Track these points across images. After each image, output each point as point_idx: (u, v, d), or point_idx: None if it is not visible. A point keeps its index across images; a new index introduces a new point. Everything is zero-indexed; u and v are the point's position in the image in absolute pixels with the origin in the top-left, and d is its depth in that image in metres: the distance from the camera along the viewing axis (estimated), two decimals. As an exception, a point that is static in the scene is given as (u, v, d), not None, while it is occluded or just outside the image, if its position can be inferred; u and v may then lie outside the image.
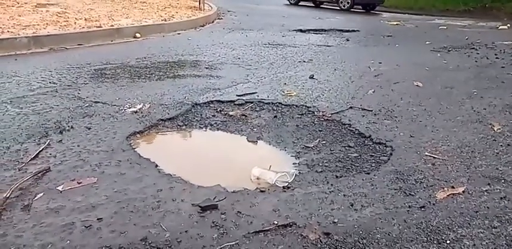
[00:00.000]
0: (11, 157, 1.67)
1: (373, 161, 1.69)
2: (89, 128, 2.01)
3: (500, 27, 7.16)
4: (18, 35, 4.11)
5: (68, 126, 2.03)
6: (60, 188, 1.43)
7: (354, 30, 6.54)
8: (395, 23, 7.98)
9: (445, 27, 7.32)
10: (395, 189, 1.41)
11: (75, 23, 5.04)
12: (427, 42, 5.22)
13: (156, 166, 1.63)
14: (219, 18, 7.87)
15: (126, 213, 1.27)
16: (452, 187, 1.41)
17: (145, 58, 3.77)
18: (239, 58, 3.94)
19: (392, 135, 1.93)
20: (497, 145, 1.79)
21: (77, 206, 1.31)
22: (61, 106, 2.35)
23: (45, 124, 2.06)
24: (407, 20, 8.58)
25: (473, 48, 4.44)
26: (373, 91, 2.69)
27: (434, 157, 1.67)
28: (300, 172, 1.64)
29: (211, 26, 6.84)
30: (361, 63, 3.68)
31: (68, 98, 2.51)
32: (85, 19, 5.35)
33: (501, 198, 1.35)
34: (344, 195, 1.37)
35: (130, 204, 1.32)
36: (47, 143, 1.80)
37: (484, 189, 1.40)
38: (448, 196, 1.35)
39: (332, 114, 2.26)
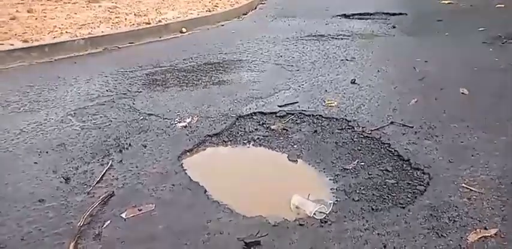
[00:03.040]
0: (80, 179, 1.88)
1: (410, 191, 1.71)
2: (145, 146, 2.18)
3: None
4: (76, 36, 4.36)
5: (126, 144, 2.21)
6: (123, 215, 1.61)
7: (401, 13, 6.17)
8: (447, 1, 7.39)
9: (503, 5, 6.67)
10: (428, 228, 1.44)
11: (125, 19, 5.22)
12: (480, 29, 4.84)
13: (205, 191, 1.76)
14: (261, 3, 7.73)
15: (181, 246, 1.42)
16: (485, 228, 1.41)
17: (191, 58, 3.88)
18: (281, 56, 3.93)
19: (431, 159, 1.92)
20: (541, 177, 1.74)
21: (139, 236, 1.49)
22: (119, 119, 2.55)
23: (106, 141, 2.26)
24: (460, -3, 7.89)
25: (530, 38, 4.09)
26: (416, 101, 2.62)
27: (471, 190, 1.66)
28: (337, 200, 1.70)
29: (254, 13, 6.75)
30: (406, 61, 3.55)
31: (124, 109, 2.70)
32: (134, 14, 5.52)
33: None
34: (378, 234, 1.43)
35: (184, 236, 1.47)
36: (109, 164, 2.00)
37: (520, 232, 1.40)
38: (479, 239, 1.37)
39: (372, 130, 2.26)
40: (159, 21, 5.18)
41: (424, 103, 2.58)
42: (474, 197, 1.61)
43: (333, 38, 4.64)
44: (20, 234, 1.54)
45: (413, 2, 7.63)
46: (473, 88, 2.79)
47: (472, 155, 1.93)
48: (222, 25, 5.69)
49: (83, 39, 4.27)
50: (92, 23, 4.95)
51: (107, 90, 3.06)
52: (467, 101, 2.59)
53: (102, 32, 4.58)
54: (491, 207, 1.54)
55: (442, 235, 1.40)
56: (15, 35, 4.32)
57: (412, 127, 2.26)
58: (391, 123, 2.33)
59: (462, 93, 2.72)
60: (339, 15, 6.13)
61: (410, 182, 1.78)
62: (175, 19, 5.35)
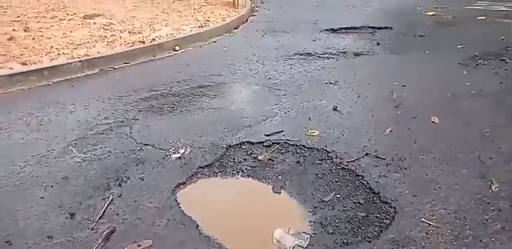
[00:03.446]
0: (84, 215, 2.08)
1: (377, 224, 1.94)
2: (142, 179, 2.39)
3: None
4: (73, 57, 4.54)
5: (125, 177, 2.41)
6: (125, 251, 1.82)
7: (386, 27, 6.40)
8: (431, 13, 7.65)
9: (484, 18, 6.94)
10: (389, 263, 1.67)
11: (120, 37, 5.39)
12: (459, 46, 5.10)
13: (197, 226, 1.97)
14: (252, 15, 7.93)
15: (175, 281, 1.64)
16: (439, 263, 1.65)
17: (185, 81, 4.07)
18: (269, 78, 4.14)
19: (398, 193, 2.15)
20: (489, 210, 1.96)
21: (139, 272, 1.70)
22: (117, 150, 2.74)
23: (106, 173, 2.46)
24: (444, 6, 8.13)
25: (503, 60, 4.33)
26: (390, 131, 2.85)
27: (429, 224, 1.88)
28: (314, 233, 1.93)
29: (245, 27, 6.95)
30: (385, 85, 3.77)
31: (122, 139, 2.89)
32: (129, 31, 5.69)
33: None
34: (346, 268, 1.66)
35: (178, 272, 1.69)
36: (110, 198, 2.20)
37: (466, 267, 1.63)
38: (433, 273, 1.60)
39: (348, 162, 2.48)
40: (153, 39, 5.36)
41: (397, 133, 2.81)
42: (431, 231, 1.84)
43: (319, 57, 4.87)
44: (32, 270, 1.74)
45: (399, 13, 7.88)
46: (444, 116, 3.03)
47: (434, 189, 2.16)
48: (214, 41, 5.88)
49: (79, 61, 4.44)
50: (88, 42, 5.11)
51: (104, 118, 3.24)
52: (437, 130, 2.82)
53: (98, 52, 4.75)
54: (445, 242, 1.77)
55: (400, 270, 1.63)
56: (14, 57, 4.48)
57: (385, 158, 2.48)
58: (366, 154, 2.55)
59: (433, 121, 2.95)
60: (327, 30, 6.35)
61: (378, 215, 2.00)
62: (169, 37, 5.53)
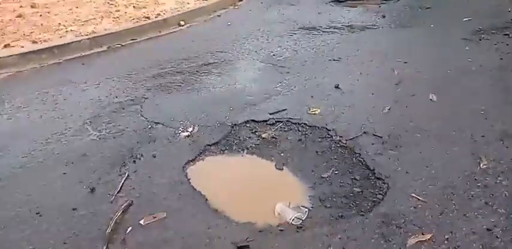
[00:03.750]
0: (103, 189, 2.27)
1: (371, 199, 2.10)
2: (154, 157, 2.55)
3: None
4: (80, 34, 4.58)
5: (139, 154, 2.58)
6: (142, 222, 2.01)
7: (393, -2, 6.23)
8: (440, -17, 7.37)
9: (495, -12, 6.71)
10: (378, 234, 1.84)
11: (125, 13, 5.39)
12: (465, 19, 5.01)
13: (206, 200, 2.16)
14: (257, -14, 7.71)
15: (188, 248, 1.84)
16: (422, 234, 1.81)
17: (190, 58, 4.14)
18: (274, 55, 4.18)
19: (392, 170, 2.29)
20: (475, 186, 2.10)
21: (155, 240, 1.90)
22: (130, 128, 2.89)
23: (121, 150, 2.63)
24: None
25: (506, 34, 4.27)
26: (389, 109, 2.94)
27: (418, 199, 2.04)
28: (312, 206, 2.10)
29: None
30: (387, 61, 3.80)
31: (133, 117, 3.04)
32: (134, 6, 5.67)
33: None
34: (340, 238, 1.83)
35: (189, 240, 1.88)
36: (126, 174, 2.38)
37: (447, 237, 1.80)
38: (416, 242, 1.77)
39: (347, 140, 2.61)
40: (158, 14, 5.35)
41: (395, 111, 2.91)
42: (420, 206, 2.00)
43: (323, 31, 4.84)
44: (62, 238, 1.95)
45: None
46: (442, 94, 3.10)
47: (426, 166, 2.29)
48: (219, 15, 5.84)
49: (88, 39, 4.49)
50: (94, 18, 5.13)
51: (116, 97, 3.37)
52: (434, 109, 2.91)
53: (105, 29, 4.79)
54: (431, 216, 1.93)
55: (388, 240, 1.81)
56: (24, 34, 4.55)
57: (381, 137, 2.60)
58: (364, 132, 2.67)
59: (431, 99, 3.03)
60: (333, 1, 6.23)
61: (372, 191, 2.16)
62: (173, 11, 5.50)
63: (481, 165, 2.24)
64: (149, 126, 2.90)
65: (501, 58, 3.66)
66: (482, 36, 4.31)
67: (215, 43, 4.57)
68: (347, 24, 5.07)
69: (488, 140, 2.48)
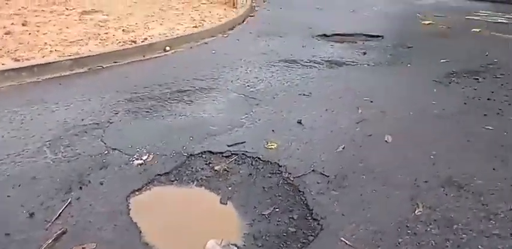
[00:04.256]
0: (43, 215, 2.29)
1: (301, 240, 2.12)
2: (102, 184, 2.59)
3: (538, 33, 6.69)
4: (64, 54, 4.73)
5: (87, 181, 2.61)
6: (70, 252, 2.03)
7: (378, 36, 6.48)
8: (427, 22, 7.67)
9: (478, 30, 6.97)
10: (299, 279, 1.86)
11: (113, 35, 5.56)
12: (442, 60, 5.19)
13: (140, 232, 2.18)
14: (250, 15, 8.03)
15: (107, 282, 1.85)
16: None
17: (166, 84, 4.25)
18: (249, 85, 4.30)
19: (330, 211, 2.32)
20: (405, 233, 2.12)
21: (77, 272, 1.91)
22: (86, 153, 2.94)
23: (71, 176, 2.66)
24: (444, 14, 8.14)
25: (476, 79, 4.41)
26: (343, 148, 3.00)
27: (346, 243, 2.06)
28: (244, 245, 2.11)
29: (240, 28, 7.07)
30: (355, 99, 3.90)
31: (93, 142, 3.09)
32: (123, 30, 5.86)
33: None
34: (260, 281, 1.85)
35: (111, 274, 1.90)
36: (69, 200, 2.41)
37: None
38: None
39: (295, 177, 2.66)
40: (145, 39, 5.53)
41: (349, 151, 2.96)
42: (347, 251, 2.02)
43: (302, 65, 5.00)
44: (-13, 264, 1.96)
45: (396, 20, 7.91)
46: (398, 136, 3.16)
47: (363, 209, 2.32)
48: (206, 43, 6.03)
49: (70, 59, 4.63)
50: (81, 39, 5.30)
51: (82, 119, 3.44)
52: (386, 151, 2.97)
53: (90, 50, 4.94)
54: (356, 263, 1.95)
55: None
56: (8, 52, 4.69)
57: (328, 176, 2.65)
58: (313, 170, 2.72)
59: (386, 141, 3.10)
60: (320, 35, 6.46)
61: (305, 231, 2.18)
62: (161, 37, 5.69)
63: (416, 212, 2.28)
64: (106, 152, 2.96)
65: (465, 103, 3.77)
66: (453, 79, 4.45)
67: (195, 70, 4.71)
68: (327, 59, 5.23)
69: (430, 186, 2.52)
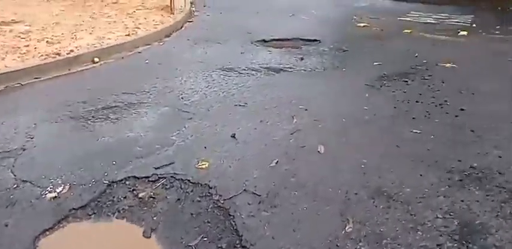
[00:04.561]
0: None
1: (228, 274, 1.97)
2: (6, 225, 2.27)
3: (460, 33, 7.08)
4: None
5: (-11, 222, 2.29)
6: None
7: (315, 40, 6.49)
8: (362, 24, 7.85)
9: (409, 31, 7.22)
10: None
11: (35, 48, 5.10)
12: (375, 63, 5.27)
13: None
14: (189, 21, 7.78)
15: None
16: None
17: (92, 101, 3.92)
18: (182, 97, 4.09)
19: (259, 235, 2.18)
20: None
21: None
22: (-4, 187, 2.59)
23: (-29, 218, 2.32)
24: (379, 16, 8.36)
25: (405, 81, 4.52)
26: (276, 162, 2.89)
27: (275, 273, 1.95)
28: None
29: (178, 34, 6.81)
30: (290, 108, 3.82)
31: (3, 174, 2.74)
32: (47, 41, 5.39)
33: None
34: None
35: None
36: (-37, 250, 2.08)
37: None
38: None
39: (225, 199, 2.50)
40: (72, 50, 5.12)
41: (282, 165, 2.86)
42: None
43: (240, 73, 4.86)
44: None
45: (332, 23, 8.02)
46: (331, 145, 3.11)
47: (294, 230, 2.21)
48: (139, 52, 5.71)
49: (-18, 78, 4.15)
50: (-3, 54, 4.79)
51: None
52: (318, 162, 2.90)
53: (6, 66, 4.48)
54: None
55: None
56: None
57: (260, 195, 2.52)
58: (245, 190, 2.58)
59: (318, 151, 3.04)
60: (258, 41, 6.35)
61: (232, 263, 2.03)
62: (90, 47, 5.31)
63: (347, 228, 2.21)
64: (15, 185, 2.62)
65: (395, 107, 3.82)
66: (384, 82, 4.51)
67: (124, 83, 4.41)
68: (265, 66, 5.13)
69: (360, 199, 2.47)
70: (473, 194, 2.49)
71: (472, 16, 8.56)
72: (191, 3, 8.98)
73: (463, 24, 7.86)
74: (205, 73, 4.82)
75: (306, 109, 3.77)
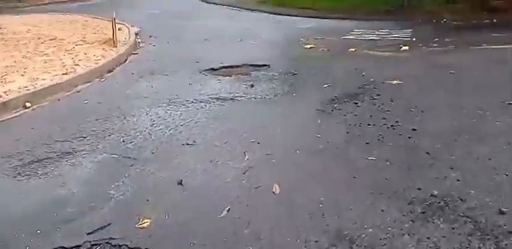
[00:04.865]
0: None
1: None
2: None
3: (402, 48, 7.24)
4: None
5: None
6: None
7: (264, 65, 6.34)
8: (309, 46, 7.86)
9: (354, 50, 7.29)
10: None
11: (-44, 96, 4.54)
12: (325, 85, 5.17)
13: None
14: (134, 53, 7.46)
15: None
16: None
17: (19, 154, 3.45)
18: (123, 141, 3.71)
19: None
20: None
21: None
22: None
23: None
24: (323, 36, 8.44)
25: (356, 103, 4.40)
26: (228, 210, 2.58)
27: None
28: None
29: (122, 68, 6.47)
30: (242, 142, 3.55)
31: None
32: (-29, 87, 4.84)
33: None
34: None
35: None
36: None
37: None
38: None
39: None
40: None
41: (233, 213, 2.53)
42: None
43: (187, 107, 4.56)
44: None
45: (281, 47, 7.99)
46: (286, 183, 2.84)
47: None
48: (78, 91, 5.29)
49: None
50: None
51: None
52: (274, 206, 2.60)
53: None
54: None
55: None
56: None
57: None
58: (188, 253, 2.24)
59: (273, 192, 2.76)
60: (207, 70, 6.12)
61: None
62: (21, 91, 4.83)
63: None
64: None
65: (347, 132, 3.65)
66: (335, 105, 4.38)
67: (58, 129, 3.97)
68: (214, 97, 4.88)
69: (321, 247, 2.21)
70: (439, 228, 2.29)
71: (411, 30, 8.90)
72: (136, 34, 8.71)
73: (403, 39, 8.12)
74: (150, 110, 4.48)
75: (258, 143, 3.51)
